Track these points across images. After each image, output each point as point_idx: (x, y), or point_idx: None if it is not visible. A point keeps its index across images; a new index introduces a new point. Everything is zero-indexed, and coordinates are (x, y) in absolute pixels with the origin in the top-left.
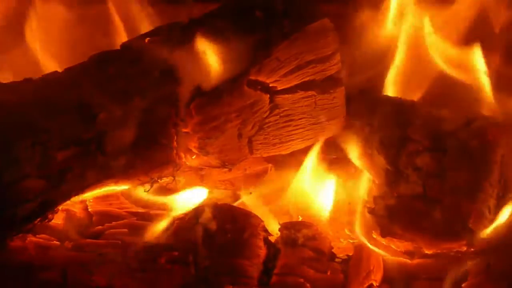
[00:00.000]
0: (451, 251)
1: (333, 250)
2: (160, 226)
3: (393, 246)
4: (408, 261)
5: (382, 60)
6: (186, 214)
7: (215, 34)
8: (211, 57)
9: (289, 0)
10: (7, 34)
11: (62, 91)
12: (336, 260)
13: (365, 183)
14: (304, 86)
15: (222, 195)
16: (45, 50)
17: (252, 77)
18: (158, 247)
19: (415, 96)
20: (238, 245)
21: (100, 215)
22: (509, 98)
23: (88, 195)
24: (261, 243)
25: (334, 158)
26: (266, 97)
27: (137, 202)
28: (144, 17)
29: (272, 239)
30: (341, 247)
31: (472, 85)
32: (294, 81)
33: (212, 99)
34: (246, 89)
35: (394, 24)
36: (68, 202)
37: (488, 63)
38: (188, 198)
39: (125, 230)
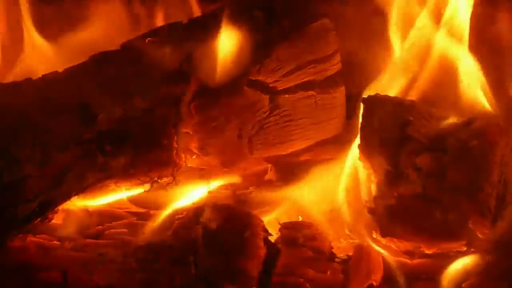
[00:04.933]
0: (451, 251)
1: (333, 250)
2: (160, 225)
3: (393, 246)
4: (408, 261)
5: (382, 59)
6: (186, 214)
7: (215, 34)
8: (211, 57)
9: (289, 0)
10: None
11: (62, 91)
12: (336, 260)
13: (365, 183)
14: (304, 86)
15: (222, 195)
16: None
17: (252, 77)
18: (158, 247)
19: (415, 96)
20: (238, 245)
21: (100, 215)
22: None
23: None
24: (261, 243)
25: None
26: (266, 97)
27: (137, 202)
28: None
29: (272, 239)
30: (341, 247)
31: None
32: (294, 81)
33: (212, 99)
34: (246, 89)
35: (395, 24)
36: (68, 202)
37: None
38: (188, 197)
39: (125, 230)
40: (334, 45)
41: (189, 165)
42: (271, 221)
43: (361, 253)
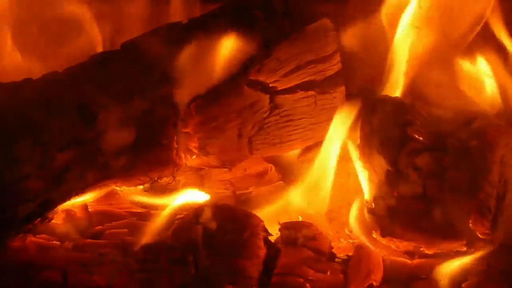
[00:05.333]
0: (451, 251)
1: (333, 250)
2: (160, 225)
3: (393, 246)
4: (408, 261)
5: (382, 59)
6: (186, 214)
7: (215, 34)
8: (211, 57)
9: (289, 0)
10: None
11: (62, 91)
12: (336, 260)
13: (365, 183)
14: (304, 86)
15: (222, 195)
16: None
17: (252, 77)
18: (158, 247)
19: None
20: (238, 245)
21: (100, 215)
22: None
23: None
24: (261, 243)
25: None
26: (266, 97)
27: (137, 202)
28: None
29: (272, 239)
30: (341, 247)
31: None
32: (294, 81)
33: (212, 99)
34: (246, 89)
35: (394, 24)
36: (68, 202)
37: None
38: (188, 198)
39: (125, 230)
40: (334, 45)
41: (189, 165)
42: (271, 221)
43: (361, 253)
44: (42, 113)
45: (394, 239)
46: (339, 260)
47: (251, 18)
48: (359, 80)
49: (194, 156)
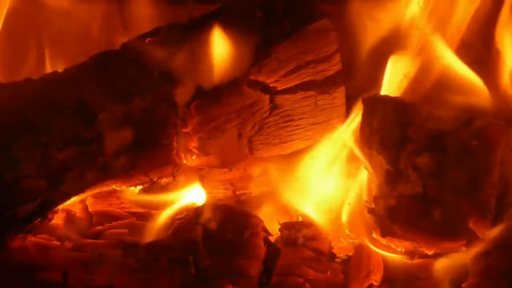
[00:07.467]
0: (451, 251)
1: (333, 250)
2: (160, 225)
3: (393, 246)
4: (408, 261)
5: (382, 59)
6: (186, 214)
7: (215, 35)
8: (211, 57)
9: (289, 0)
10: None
11: (62, 91)
12: (336, 260)
13: (365, 183)
14: (304, 86)
15: (222, 195)
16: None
17: (252, 77)
18: (158, 247)
19: (415, 96)
20: (238, 245)
21: (100, 215)
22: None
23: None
24: (261, 243)
25: (334, 158)
26: (266, 97)
27: (137, 202)
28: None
29: (272, 239)
30: (341, 247)
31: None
32: (294, 81)
33: (212, 99)
34: (246, 89)
35: (394, 24)
36: (68, 202)
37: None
38: (188, 198)
39: (125, 230)
40: (334, 45)
41: (189, 165)
42: (271, 221)
43: (361, 253)
44: (42, 113)
45: (394, 239)
46: (339, 260)
47: (251, 18)
48: (359, 80)
49: (194, 156)
